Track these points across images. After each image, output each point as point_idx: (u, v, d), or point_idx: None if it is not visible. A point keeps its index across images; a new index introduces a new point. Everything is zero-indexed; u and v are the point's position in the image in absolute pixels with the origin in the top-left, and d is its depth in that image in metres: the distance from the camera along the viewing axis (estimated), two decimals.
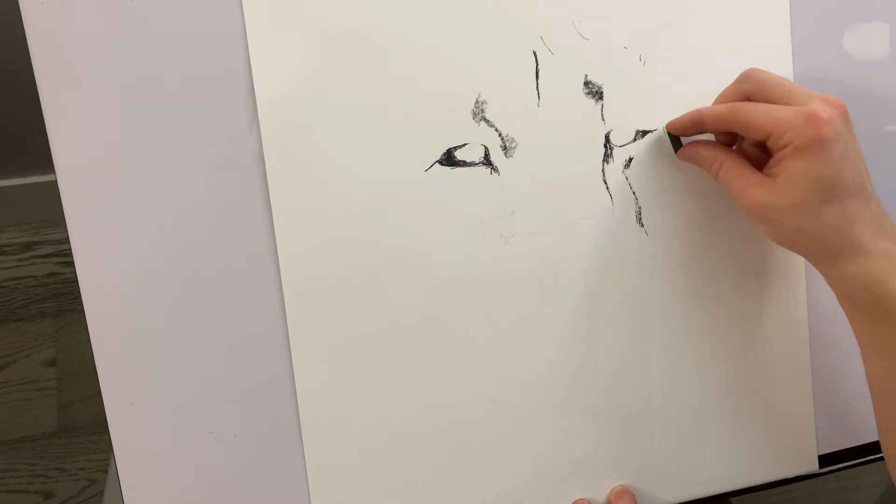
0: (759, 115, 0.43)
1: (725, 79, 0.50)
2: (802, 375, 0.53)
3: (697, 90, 0.49)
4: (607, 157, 0.49)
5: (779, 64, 0.51)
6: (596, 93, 0.48)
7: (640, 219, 0.50)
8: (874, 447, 0.56)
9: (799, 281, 0.52)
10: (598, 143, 0.49)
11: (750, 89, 0.45)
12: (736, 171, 0.45)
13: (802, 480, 0.54)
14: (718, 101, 0.48)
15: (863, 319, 0.43)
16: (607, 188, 0.49)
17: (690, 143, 0.48)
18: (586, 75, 0.48)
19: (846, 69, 0.52)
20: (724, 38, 0.50)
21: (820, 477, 0.55)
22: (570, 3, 0.47)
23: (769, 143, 0.43)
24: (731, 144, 0.48)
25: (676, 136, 0.49)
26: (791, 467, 0.54)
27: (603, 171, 0.49)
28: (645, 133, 0.49)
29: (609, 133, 0.49)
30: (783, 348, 0.53)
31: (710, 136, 0.49)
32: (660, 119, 0.49)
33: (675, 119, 0.48)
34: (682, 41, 0.49)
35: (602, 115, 0.48)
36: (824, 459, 0.54)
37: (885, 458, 0.45)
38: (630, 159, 0.49)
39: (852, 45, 0.52)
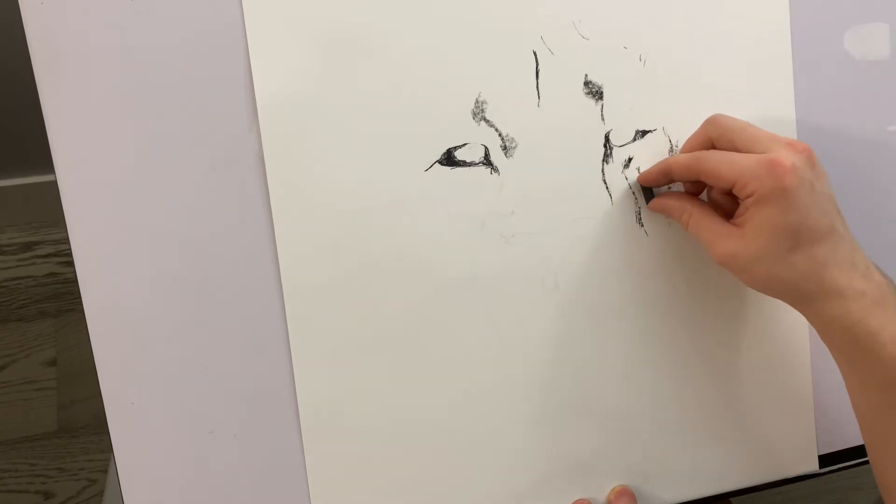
0: (722, 165, 0.43)
1: (725, 79, 0.50)
2: (802, 375, 0.53)
3: (697, 90, 0.50)
4: (607, 157, 0.49)
5: (779, 64, 0.51)
6: (596, 93, 0.48)
7: (640, 219, 0.50)
8: None
9: None
10: (598, 143, 0.49)
11: (714, 134, 0.46)
12: (704, 223, 0.45)
13: (802, 480, 0.54)
14: (685, 148, 0.48)
15: (843, 359, 0.44)
16: (607, 188, 0.49)
17: (660, 195, 0.49)
18: (586, 75, 0.48)
19: (846, 69, 0.52)
20: (724, 38, 0.50)
21: (820, 477, 0.55)
22: (570, 3, 0.47)
23: (734, 192, 0.43)
24: (699, 192, 0.48)
25: (649, 189, 0.49)
26: (791, 467, 0.54)
27: (603, 171, 0.49)
28: (645, 133, 0.49)
29: (609, 133, 0.49)
30: (783, 348, 0.53)
31: (679, 186, 0.49)
32: (660, 119, 0.49)
33: (646, 171, 0.48)
34: (682, 41, 0.49)
35: (602, 115, 0.48)
36: (824, 459, 0.54)
37: (880, 489, 0.46)
38: (630, 159, 0.49)
39: (852, 45, 0.52)
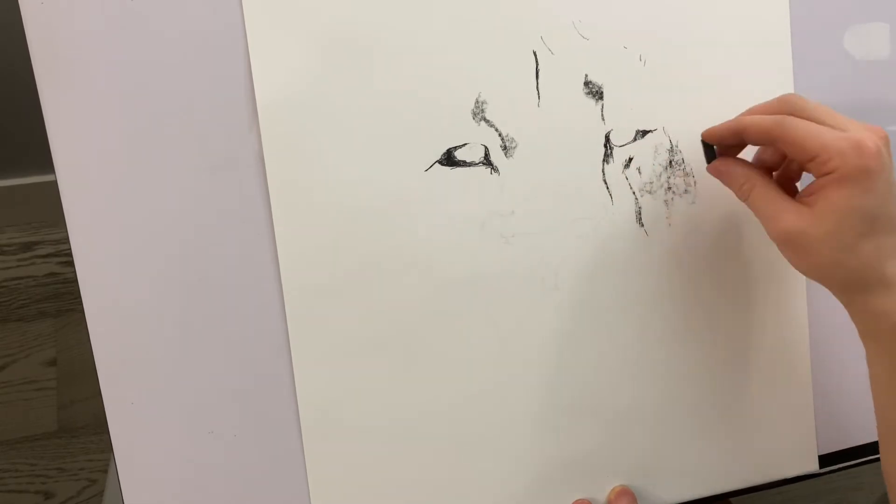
0: (807, 134, 0.41)
1: (725, 79, 0.50)
2: (802, 375, 0.53)
3: (697, 90, 0.50)
4: (607, 157, 0.49)
5: (779, 64, 0.51)
6: (596, 93, 0.48)
7: (640, 219, 0.50)
8: (874, 447, 0.56)
9: (799, 281, 0.52)
10: (598, 143, 0.49)
11: (790, 108, 0.43)
12: (769, 196, 0.43)
13: (802, 480, 0.54)
14: (754, 112, 0.45)
15: (885, 357, 0.42)
16: (607, 188, 0.49)
17: (725, 158, 0.46)
18: (586, 75, 0.48)
19: (846, 69, 0.52)
20: (724, 38, 0.50)
21: (820, 477, 0.55)
22: (570, 3, 0.47)
23: (810, 166, 0.41)
24: (767, 166, 0.46)
25: (711, 147, 0.47)
26: (791, 467, 0.54)
27: (603, 171, 0.49)
28: (645, 133, 0.49)
29: (609, 133, 0.49)
30: (783, 348, 0.53)
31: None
32: (660, 119, 0.49)
33: (713, 127, 0.46)
34: (682, 41, 0.49)
35: (602, 115, 0.48)
36: (824, 459, 0.54)
37: (888, 487, 0.44)
38: (630, 159, 0.49)
39: (852, 45, 0.52)
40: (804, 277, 0.51)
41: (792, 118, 0.42)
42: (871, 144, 0.39)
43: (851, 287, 0.42)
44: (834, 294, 0.43)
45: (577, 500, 0.50)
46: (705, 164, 0.47)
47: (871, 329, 0.42)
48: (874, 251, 0.40)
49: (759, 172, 0.45)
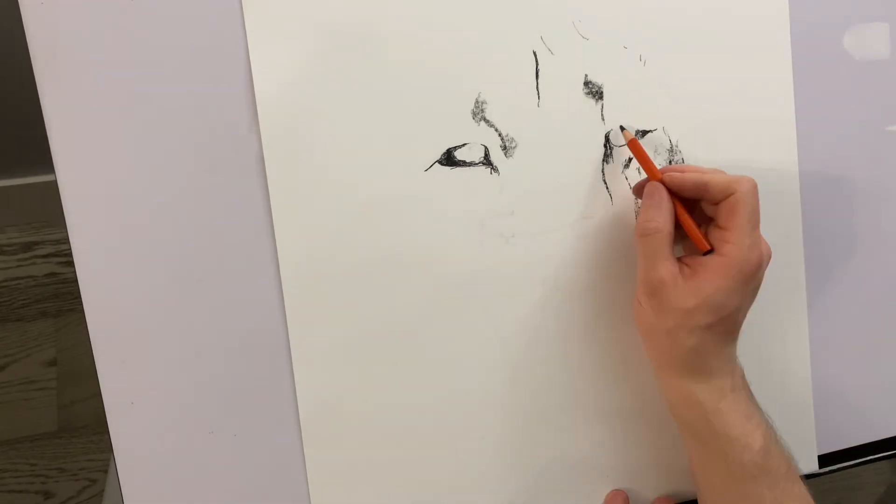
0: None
1: (725, 79, 0.50)
2: (802, 375, 0.53)
3: (697, 90, 0.50)
4: (607, 157, 0.49)
5: (779, 64, 0.51)
6: (596, 93, 0.48)
7: None
8: (874, 447, 0.56)
9: (799, 281, 0.52)
10: (598, 143, 0.49)
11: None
12: (664, 244, 0.44)
13: None
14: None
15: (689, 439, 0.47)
16: (607, 188, 0.49)
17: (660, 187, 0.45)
18: (586, 75, 0.48)
19: (846, 69, 0.52)
20: (724, 38, 0.50)
21: (820, 477, 0.55)
22: (570, 3, 0.47)
23: (715, 208, 0.44)
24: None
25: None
26: None
27: (603, 171, 0.49)
28: (645, 133, 0.49)
29: (609, 133, 0.49)
30: (783, 348, 0.53)
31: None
32: (660, 119, 0.49)
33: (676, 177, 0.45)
34: (682, 41, 0.49)
35: (602, 115, 0.48)
36: (824, 459, 0.54)
37: None
38: (630, 159, 0.49)
39: (852, 45, 0.52)
40: (804, 277, 0.52)
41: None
42: (764, 258, 0.43)
43: (671, 365, 0.45)
44: (652, 363, 0.47)
45: (612, 491, 0.51)
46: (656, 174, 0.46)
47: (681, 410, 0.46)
48: (707, 342, 0.43)
49: (671, 221, 0.45)
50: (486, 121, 0.47)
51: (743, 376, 0.46)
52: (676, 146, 0.50)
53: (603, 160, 0.49)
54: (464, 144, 0.47)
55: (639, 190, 0.47)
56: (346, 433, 0.47)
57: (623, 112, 0.48)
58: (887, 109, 0.54)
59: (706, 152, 0.50)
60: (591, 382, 0.50)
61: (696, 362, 0.44)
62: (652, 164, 0.46)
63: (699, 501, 0.48)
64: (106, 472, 1.16)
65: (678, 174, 0.45)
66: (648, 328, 0.45)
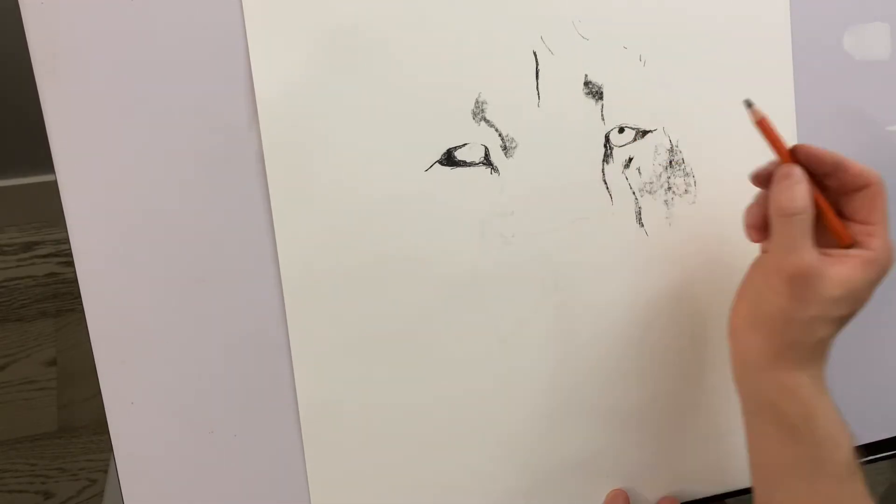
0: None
1: (725, 79, 0.50)
2: None
3: (697, 90, 0.49)
4: (607, 157, 0.49)
5: (779, 64, 0.51)
6: (596, 93, 0.48)
7: (640, 219, 0.50)
8: (874, 447, 0.56)
9: None
10: (598, 143, 0.48)
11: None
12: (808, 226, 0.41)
13: None
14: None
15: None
16: (607, 188, 0.49)
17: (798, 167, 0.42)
18: (586, 75, 0.48)
19: (846, 69, 0.52)
20: (724, 38, 0.50)
21: None
22: (570, 3, 0.47)
23: (847, 199, 0.42)
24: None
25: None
26: None
27: (603, 171, 0.49)
28: (645, 133, 0.49)
29: (609, 133, 0.49)
30: None
31: None
32: (660, 119, 0.49)
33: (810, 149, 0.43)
34: (682, 41, 0.49)
35: (602, 115, 0.48)
36: None
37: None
38: (630, 159, 0.49)
39: (852, 45, 0.52)
40: None
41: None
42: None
43: (791, 355, 0.42)
44: (756, 360, 0.43)
45: (613, 490, 0.51)
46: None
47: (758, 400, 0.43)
48: (834, 334, 0.42)
49: (813, 203, 0.42)
50: (487, 121, 0.47)
51: None
52: (676, 146, 0.50)
53: (603, 160, 0.49)
54: (464, 144, 0.47)
55: (759, 178, 0.43)
56: (346, 433, 0.47)
57: (623, 112, 0.48)
58: (887, 109, 0.54)
59: (707, 152, 0.50)
60: (591, 382, 0.50)
61: (819, 353, 0.42)
62: (783, 144, 0.42)
63: None
64: (106, 472, 1.16)
65: (815, 148, 0.42)
66: (774, 314, 0.42)
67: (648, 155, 0.49)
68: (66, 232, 0.43)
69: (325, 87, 0.45)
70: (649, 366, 0.51)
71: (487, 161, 0.47)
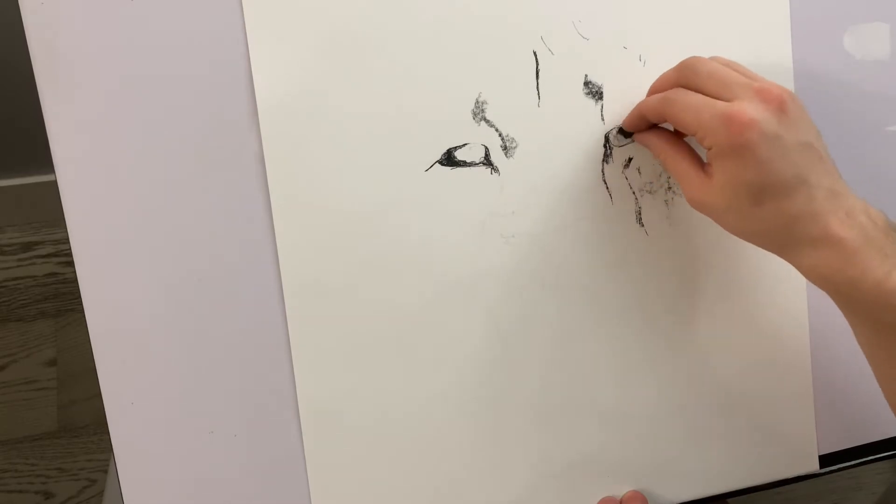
0: (683, 111, 0.42)
1: None
2: (802, 375, 0.53)
3: None
4: (607, 157, 0.49)
5: (779, 64, 0.51)
6: (596, 93, 0.48)
7: (640, 219, 0.50)
8: (874, 447, 0.56)
9: (799, 280, 0.52)
10: (598, 143, 0.49)
11: (688, 74, 0.44)
12: (680, 167, 0.44)
13: (802, 480, 0.54)
14: (655, 87, 0.46)
15: (835, 302, 0.43)
16: (607, 188, 0.49)
17: (643, 131, 0.47)
18: (586, 75, 0.48)
19: (846, 69, 0.52)
20: (724, 38, 0.50)
21: (820, 477, 0.55)
22: (570, 3, 0.47)
23: (697, 141, 0.42)
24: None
25: (630, 133, 0.48)
26: (791, 467, 0.54)
27: (603, 171, 0.49)
28: None
29: (609, 133, 0.49)
30: (783, 348, 0.53)
31: None
32: None
33: (627, 116, 0.48)
34: (682, 41, 0.49)
35: (602, 115, 0.48)
36: (824, 459, 0.54)
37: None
38: (630, 159, 0.49)
39: (852, 45, 0.52)
40: (804, 278, 0.52)
41: (677, 92, 0.43)
42: (744, 116, 0.39)
43: (773, 248, 0.43)
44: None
45: (630, 491, 0.51)
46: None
47: (810, 281, 0.43)
48: (777, 215, 0.41)
49: (673, 141, 0.45)
50: (487, 121, 0.47)
51: (875, 227, 0.40)
52: None
53: (603, 160, 0.49)
54: (464, 144, 0.47)
55: (642, 144, 0.48)
56: (347, 433, 0.47)
57: (623, 112, 0.48)
58: (887, 109, 0.54)
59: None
60: (592, 382, 0.50)
61: (786, 237, 0.42)
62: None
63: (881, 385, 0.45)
64: (106, 472, 1.16)
65: (626, 117, 0.48)
66: (736, 234, 0.43)
67: (648, 155, 0.49)
68: (66, 232, 0.43)
69: (325, 86, 0.45)
70: (649, 365, 0.51)
71: (487, 161, 0.47)
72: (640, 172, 0.49)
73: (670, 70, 0.45)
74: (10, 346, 1.24)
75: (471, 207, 0.47)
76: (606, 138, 0.49)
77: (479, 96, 0.46)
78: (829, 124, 0.52)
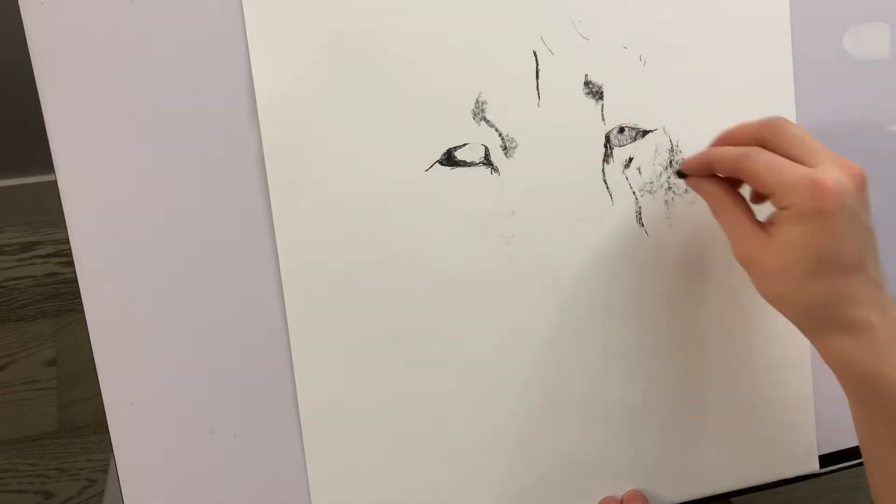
0: (768, 170, 0.41)
1: (725, 79, 0.50)
2: (802, 375, 0.53)
3: (697, 90, 0.49)
4: (607, 157, 0.49)
5: (779, 64, 0.51)
6: (596, 93, 0.48)
7: (640, 219, 0.50)
8: None
9: None
10: (598, 143, 0.49)
11: (769, 135, 0.43)
12: (734, 218, 0.43)
13: (802, 480, 0.54)
14: (733, 136, 0.45)
15: (848, 392, 0.42)
16: (607, 188, 0.49)
17: (698, 177, 0.46)
18: (586, 75, 0.48)
19: (846, 69, 0.52)
20: (724, 38, 0.50)
21: (820, 477, 0.55)
22: (570, 3, 0.47)
23: (771, 200, 0.41)
24: (740, 184, 0.46)
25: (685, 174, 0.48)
26: (791, 467, 0.54)
27: (603, 171, 0.49)
28: (645, 133, 0.49)
29: (609, 133, 0.49)
30: (784, 348, 0.53)
31: None
32: (660, 119, 0.49)
33: (689, 158, 0.46)
34: (682, 41, 0.49)
35: (602, 115, 0.48)
36: (824, 459, 0.54)
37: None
38: (630, 159, 0.49)
39: (852, 45, 0.52)
40: None
41: (758, 151, 0.42)
42: (830, 184, 0.39)
43: (806, 324, 0.42)
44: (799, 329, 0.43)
45: (631, 491, 0.51)
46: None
47: (831, 367, 0.42)
48: (826, 292, 0.40)
49: (729, 191, 0.44)
50: (487, 121, 0.47)
51: None
52: (676, 146, 0.49)
53: (603, 160, 0.49)
54: (464, 144, 0.47)
55: (695, 189, 0.48)
56: (347, 433, 0.47)
57: (623, 112, 0.48)
58: (887, 109, 0.54)
59: None
60: (591, 382, 0.50)
61: (827, 315, 0.41)
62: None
63: (870, 482, 0.44)
64: (106, 472, 1.16)
65: (689, 159, 0.47)
66: (769, 299, 0.43)
67: (648, 155, 0.49)
68: (66, 232, 0.43)
69: (325, 86, 0.45)
70: (650, 365, 0.51)
71: (487, 161, 0.47)
72: (640, 172, 0.49)
73: (751, 123, 0.44)
74: (10, 346, 1.24)
75: (471, 207, 0.47)
76: (606, 138, 0.49)
77: (479, 96, 0.46)
78: (830, 124, 0.52)
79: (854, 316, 0.40)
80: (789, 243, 0.40)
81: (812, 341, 0.42)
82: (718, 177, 0.46)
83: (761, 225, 0.43)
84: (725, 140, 0.45)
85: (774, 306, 0.43)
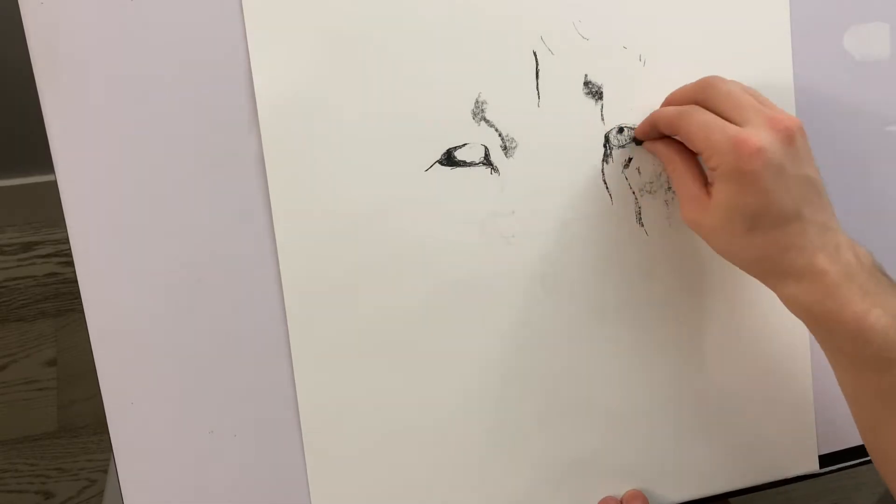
0: (696, 130, 0.42)
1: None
2: (802, 375, 0.53)
3: None
4: (607, 157, 0.49)
5: (779, 64, 0.51)
6: (596, 93, 0.48)
7: (640, 219, 0.50)
8: None
9: None
10: (598, 143, 0.49)
11: (702, 96, 0.44)
12: (680, 180, 0.45)
13: (802, 480, 0.54)
14: (676, 96, 0.47)
15: (816, 338, 0.43)
16: (607, 188, 0.49)
17: (654, 139, 0.48)
18: (586, 75, 0.48)
19: (846, 69, 0.52)
20: (724, 38, 0.50)
21: (820, 477, 0.55)
22: (570, 3, 0.47)
23: (702, 161, 0.43)
24: None
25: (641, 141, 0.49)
26: (791, 467, 0.54)
27: (603, 171, 0.49)
28: None
29: (609, 133, 0.49)
30: (783, 348, 0.53)
31: None
32: None
33: (640, 124, 0.48)
34: (682, 41, 0.49)
35: (602, 115, 0.48)
36: (824, 459, 0.54)
37: (874, 460, 0.45)
38: (630, 159, 0.49)
39: (852, 45, 0.52)
40: None
41: (693, 109, 0.43)
42: (752, 143, 0.40)
43: (758, 275, 0.43)
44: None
45: (631, 490, 0.51)
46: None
47: (792, 313, 0.43)
48: (767, 244, 0.41)
49: (682, 153, 0.46)
50: (486, 121, 0.47)
51: (859, 264, 0.41)
52: None
53: (603, 160, 0.49)
54: (464, 144, 0.47)
55: (650, 151, 0.49)
56: (347, 433, 0.47)
57: (623, 112, 0.48)
58: (887, 109, 0.54)
59: None
60: (591, 382, 0.50)
61: (774, 265, 0.42)
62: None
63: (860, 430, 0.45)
64: (106, 472, 1.16)
65: (640, 124, 0.48)
66: (723, 256, 0.44)
67: (648, 155, 0.49)
68: (66, 232, 0.43)
69: (325, 87, 0.45)
70: (650, 365, 0.51)
71: (487, 161, 0.47)
72: (640, 172, 0.49)
73: (690, 84, 0.46)
74: (10, 346, 1.24)
75: (471, 207, 0.47)
76: (606, 138, 0.49)
77: (479, 96, 0.46)
78: (830, 124, 0.52)
79: (800, 262, 0.41)
80: (721, 203, 0.42)
81: (769, 287, 0.44)
82: (674, 140, 0.47)
83: (707, 185, 0.44)
84: (670, 101, 0.47)
85: (729, 261, 0.44)
